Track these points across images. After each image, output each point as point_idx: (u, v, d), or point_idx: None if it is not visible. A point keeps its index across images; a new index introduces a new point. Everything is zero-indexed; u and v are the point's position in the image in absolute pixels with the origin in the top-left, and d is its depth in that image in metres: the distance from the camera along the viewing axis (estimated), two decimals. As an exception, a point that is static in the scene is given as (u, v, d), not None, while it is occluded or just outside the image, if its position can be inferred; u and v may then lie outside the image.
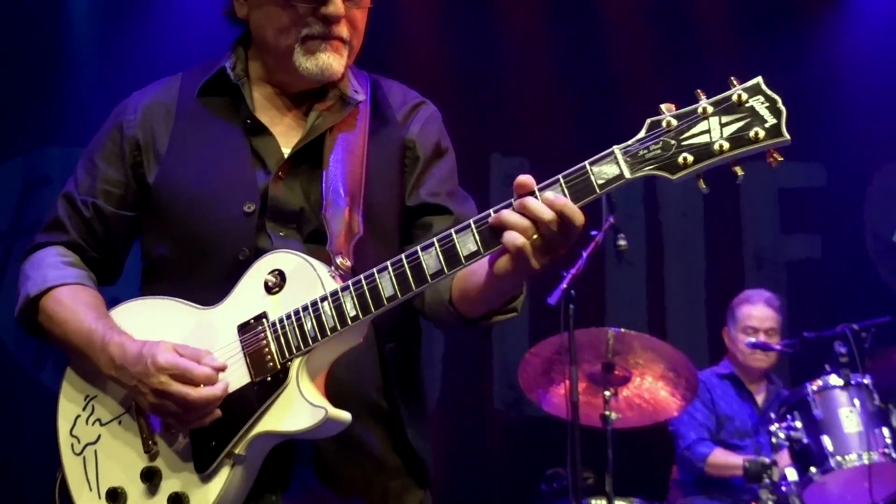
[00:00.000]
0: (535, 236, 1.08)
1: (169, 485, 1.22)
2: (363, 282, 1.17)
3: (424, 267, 1.14)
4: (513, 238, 1.08)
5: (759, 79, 1.07)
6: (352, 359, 1.23)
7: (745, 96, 1.06)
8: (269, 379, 1.19)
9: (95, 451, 1.27)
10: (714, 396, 3.38)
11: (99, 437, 1.27)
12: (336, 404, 1.18)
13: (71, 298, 1.30)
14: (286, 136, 1.33)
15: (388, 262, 1.16)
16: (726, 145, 1.06)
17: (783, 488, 2.79)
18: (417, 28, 4.02)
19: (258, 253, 1.25)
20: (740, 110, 1.06)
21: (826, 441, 2.76)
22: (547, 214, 1.07)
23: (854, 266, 4.08)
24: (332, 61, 1.28)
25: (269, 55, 1.33)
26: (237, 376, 1.21)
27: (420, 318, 1.36)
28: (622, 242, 2.78)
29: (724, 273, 4.13)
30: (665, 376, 2.94)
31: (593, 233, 2.66)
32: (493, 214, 1.12)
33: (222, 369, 1.20)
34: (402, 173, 1.34)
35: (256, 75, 1.36)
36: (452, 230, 1.14)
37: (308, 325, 1.18)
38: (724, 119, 1.06)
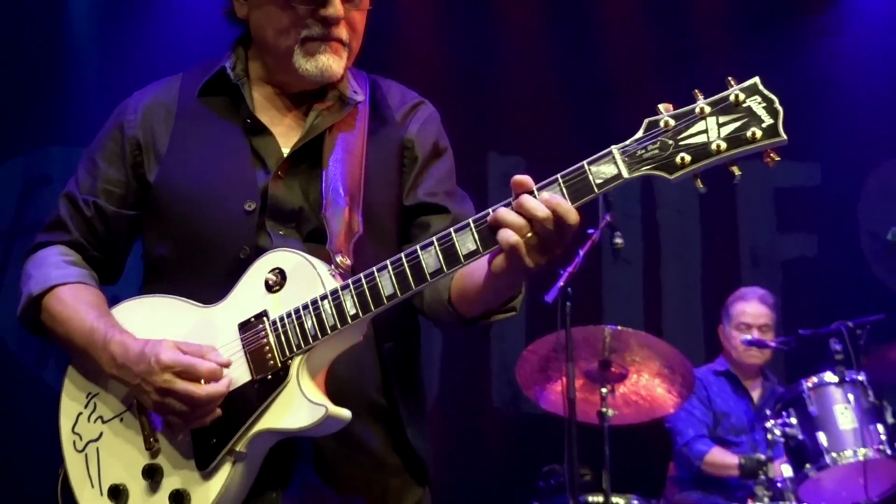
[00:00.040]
0: (529, 235, 1.08)
1: (170, 482, 1.23)
2: (363, 280, 1.18)
3: (424, 266, 1.15)
4: (507, 236, 1.09)
5: (757, 79, 1.08)
6: (352, 357, 1.24)
7: (742, 96, 1.07)
8: (269, 377, 1.20)
9: (97, 449, 1.28)
10: (710, 393, 3.40)
11: (101, 434, 1.28)
12: (336, 402, 1.19)
13: (73, 297, 1.31)
14: (286, 135, 1.34)
15: (388, 261, 1.17)
16: (724, 145, 1.07)
17: (778, 484, 2.80)
18: (415, 27, 4.02)
19: (259, 251, 1.26)
20: (737, 110, 1.07)
21: (821, 437, 2.77)
22: (541, 212, 1.08)
23: (849, 264, 4.10)
24: (332, 63, 1.29)
25: (268, 55, 1.33)
26: (238, 374, 1.21)
27: (419, 317, 1.37)
28: (619, 241, 2.79)
29: (721, 271, 4.15)
30: (661, 373, 2.96)
31: (590, 231, 2.68)
32: (491, 214, 1.12)
33: (227, 365, 1.20)
34: (400, 173, 1.35)
35: (256, 75, 1.36)
36: (452, 229, 1.15)
37: (308, 324, 1.19)
38: (722, 119, 1.07)
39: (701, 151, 1.07)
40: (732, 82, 1.08)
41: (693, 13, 4.20)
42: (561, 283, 2.51)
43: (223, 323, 1.24)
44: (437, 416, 3.73)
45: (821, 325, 3.03)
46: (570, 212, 1.08)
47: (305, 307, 1.19)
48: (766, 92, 1.07)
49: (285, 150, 1.32)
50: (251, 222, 1.28)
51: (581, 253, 2.60)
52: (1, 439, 3.67)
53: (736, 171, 1.08)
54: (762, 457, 2.81)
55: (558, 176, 1.11)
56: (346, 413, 1.19)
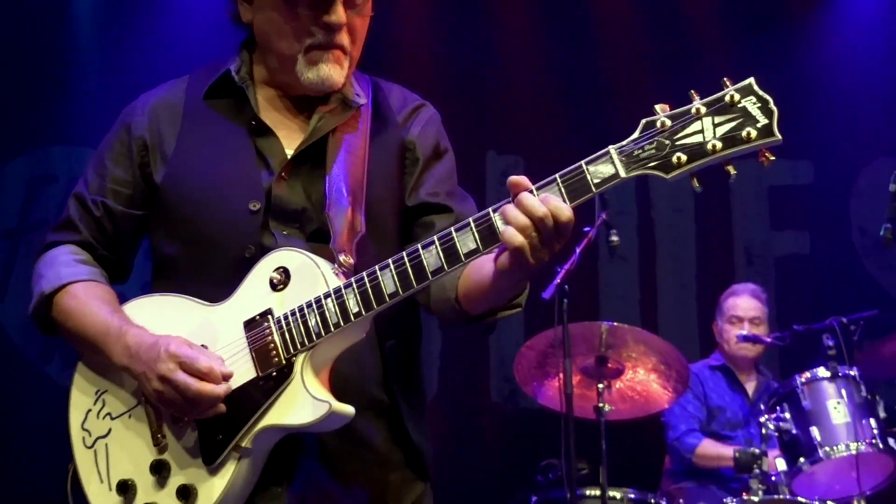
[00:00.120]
0: (534, 234, 1.10)
1: (177, 477, 1.24)
2: (366, 279, 1.19)
3: (425, 264, 1.16)
4: (512, 236, 1.10)
5: (752, 80, 1.09)
6: (354, 355, 1.26)
7: (737, 97, 1.09)
8: (274, 374, 1.22)
9: (106, 445, 1.29)
10: (706, 389, 3.44)
11: (110, 430, 1.30)
12: (339, 399, 1.21)
13: (85, 293, 1.33)
14: (290, 137, 1.35)
15: (390, 260, 1.19)
16: (719, 145, 1.09)
17: (773, 478, 2.83)
18: (414, 28, 4.03)
19: (263, 251, 1.27)
20: (733, 111, 1.08)
21: (815, 432, 2.80)
22: (541, 211, 1.10)
23: (842, 261, 4.14)
24: (333, 73, 1.31)
25: (272, 59, 1.35)
26: (243, 371, 1.23)
27: (420, 315, 1.39)
28: (614, 238, 2.82)
29: (715, 268, 4.18)
30: (657, 369, 2.98)
31: (586, 229, 2.70)
32: (491, 213, 1.14)
33: (228, 376, 1.21)
34: (402, 174, 1.37)
35: (260, 78, 1.38)
36: (452, 228, 1.17)
37: (312, 322, 1.20)
38: (717, 119, 1.09)
39: (697, 151, 1.09)
40: (728, 83, 1.10)
41: (688, 14, 4.23)
42: (558, 280, 2.53)
43: (229, 321, 1.26)
44: (436, 411, 3.76)
45: (814, 321, 3.06)
46: (561, 208, 1.10)
47: (309, 305, 1.21)
48: (760, 92, 1.09)
49: (289, 152, 1.34)
50: (256, 222, 1.30)
51: (577, 250, 2.62)
52: (6, 434, 3.69)
53: (731, 170, 1.10)
54: (756, 450, 2.84)
55: (556, 176, 1.13)
56: (349, 409, 1.21)
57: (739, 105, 1.09)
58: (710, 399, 3.42)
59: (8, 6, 3.79)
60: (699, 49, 4.13)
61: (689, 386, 3.13)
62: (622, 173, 1.11)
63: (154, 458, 1.26)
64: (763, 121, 1.08)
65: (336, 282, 1.22)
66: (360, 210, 1.29)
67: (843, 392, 2.86)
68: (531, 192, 1.12)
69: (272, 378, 1.22)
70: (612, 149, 1.12)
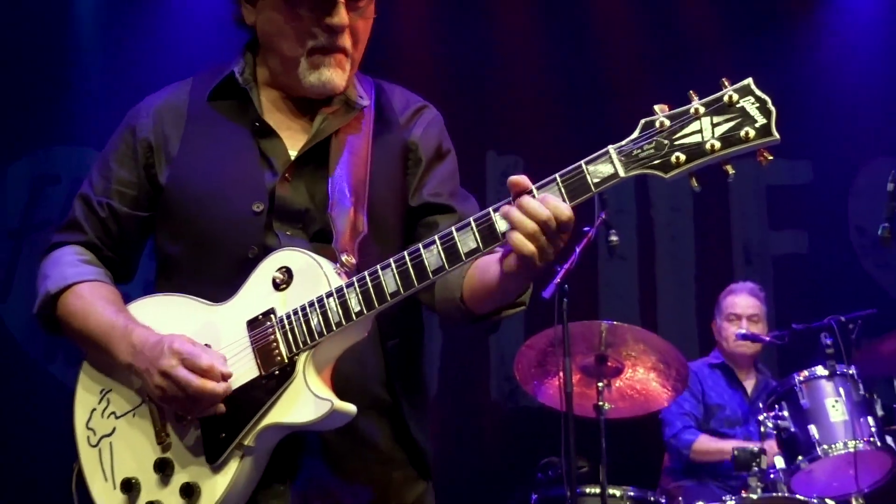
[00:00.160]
0: (541, 238, 1.11)
1: (181, 475, 1.25)
2: (367, 278, 1.20)
3: (426, 264, 1.17)
4: (521, 242, 1.11)
5: (750, 80, 1.10)
6: (356, 354, 1.27)
7: (735, 97, 1.10)
8: (276, 372, 1.23)
9: (111, 443, 1.30)
10: (704, 387, 3.46)
11: (114, 429, 1.31)
12: (341, 397, 1.21)
13: (91, 293, 1.34)
14: (293, 138, 1.36)
15: (392, 259, 1.20)
16: (718, 145, 1.09)
17: (771, 476, 2.85)
18: (414, 28, 4.04)
19: (266, 251, 1.28)
20: (731, 111, 1.09)
21: (813, 430, 2.81)
22: (544, 214, 1.11)
23: (840, 260, 4.15)
24: (335, 76, 1.31)
25: (275, 61, 1.36)
26: (246, 370, 1.24)
27: (422, 314, 1.40)
28: (614, 238, 2.83)
29: (714, 268, 4.20)
30: (656, 367, 2.99)
31: (586, 229, 2.71)
32: (492, 213, 1.15)
33: (228, 376, 1.22)
34: (404, 174, 1.38)
35: (264, 79, 1.39)
36: (453, 228, 1.18)
37: (314, 321, 1.21)
38: (716, 119, 1.10)
39: (695, 151, 1.10)
40: (726, 83, 1.11)
41: (687, 15, 4.24)
42: (558, 280, 2.54)
43: (232, 320, 1.27)
44: (437, 410, 3.77)
45: (812, 320, 3.08)
46: (560, 208, 1.11)
47: (311, 305, 1.22)
48: (759, 93, 1.10)
49: (292, 153, 1.35)
50: (259, 222, 1.31)
51: (577, 250, 2.63)
52: (9, 433, 3.70)
53: (729, 169, 1.11)
54: (755, 448, 2.86)
55: (556, 176, 1.14)
56: (351, 408, 1.21)
57: (738, 105, 1.10)
58: (709, 397, 3.44)
59: (10, 7, 3.80)
60: (698, 49, 4.14)
61: (688, 384, 3.14)
62: (621, 173, 1.12)
63: (158, 456, 1.27)
64: (761, 121, 1.09)
65: (338, 281, 1.23)
66: (363, 210, 1.30)
67: (842, 390, 2.87)
68: (531, 191, 1.13)
69: (274, 377, 1.23)
70: (611, 148, 1.13)
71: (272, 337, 1.24)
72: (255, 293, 1.26)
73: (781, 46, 4.15)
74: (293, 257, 1.26)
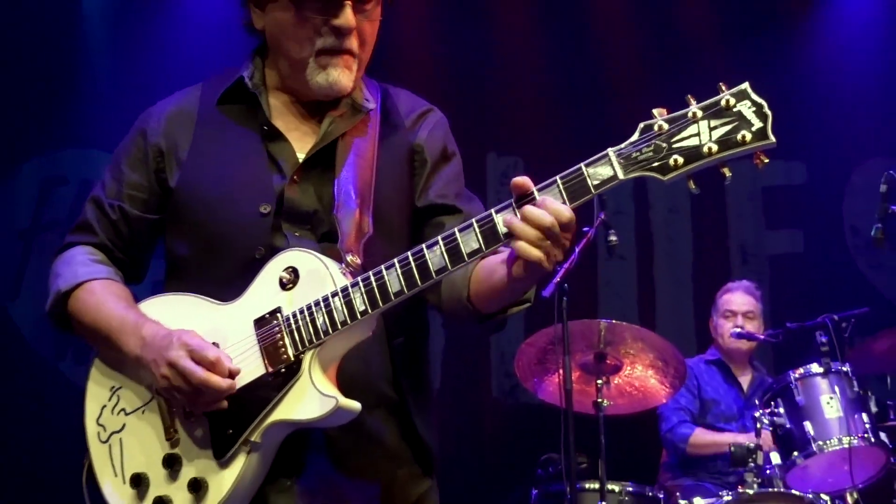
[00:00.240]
0: (546, 243, 1.14)
1: (189, 470, 1.28)
2: (372, 278, 1.23)
3: (430, 264, 1.20)
4: (528, 251, 1.13)
5: (747, 84, 1.12)
6: (362, 352, 1.29)
7: (732, 101, 1.12)
8: (283, 370, 1.25)
9: (120, 439, 1.33)
10: (701, 382, 3.49)
11: (124, 425, 1.33)
12: (346, 395, 1.24)
13: (102, 290, 1.36)
14: (301, 141, 1.38)
15: (396, 260, 1.22)
16: (715, 148, 1.12)
17: (767, 471, 2.88)
18: (414, 28, 4.05)
19: (273, 251, 1.31)
20: (728, 114, 1.12)
21: (808, 426, 2.84)
22: (547, 219, 1.13)
23: (834, 260, 4.19)
24: (342, 78, 1.34)
25: (283, 64, 1.38)
26: (253, 367, 1.26)
27: (427, 313, 1.42)
28: (613, 238, 2.86)
29: (711, 267, 4.23)
30: (654, 365, 3.02)
31: (585, 229, 2.73)
32: (494, 214, 1.18)
33: (235, 373, 1.25)
34: (410, 176, 1.40)
35: (273, 84, 1.41)
36: (456, 229, 1.20)
37: (320, 320, 1.23)
38: (713, 123, 1.12)
39: (693, 154, 1.12)
40: (724, 87, 1.13)
41: (684, 18, 4.27)
42: (557, 279, 2.56)
43: (239, 319, 1.29)
44: (438, 407, 3.76)
45: (807, 319, 3.11)
46: (560, 210, 1.13)
47: (317, 304, 1.24)
48: (755, 97, 1.12)
49: (300, 156, 1.37)
50: (266, 224, 1.33)
51: (577, 250, 2.65)
52: (20, 430, 3.71)
53: (726, 172, 1.13)
54: (751, 444, 2.89)
55: (557, 178, 1.16)
56: (356, 405, 1.24)
57: (735, 109, 1.12)
58: (705, 392, 3.48)
59: (19, 10, 3.81)
60: (697, 50, 4.17)
61: (685, 380, 3.18)
62: (620, 175, 1.15)
63: (166, 452, 1.29)
64: (758, 124, 1.11)
65: (343, 281, 1.25)
66: (368, 212, 1.32)
67: (836, 387, 2.89)
68: (532, 193, 1.15)
69: (281, 374, 1.25)
70: (610, 151, 1.15)
71: (279, 335, 1.26)
72: (262, 293, 1.28)
73: (778, 48, 4.18)
74: (299, 257, 1.28)
